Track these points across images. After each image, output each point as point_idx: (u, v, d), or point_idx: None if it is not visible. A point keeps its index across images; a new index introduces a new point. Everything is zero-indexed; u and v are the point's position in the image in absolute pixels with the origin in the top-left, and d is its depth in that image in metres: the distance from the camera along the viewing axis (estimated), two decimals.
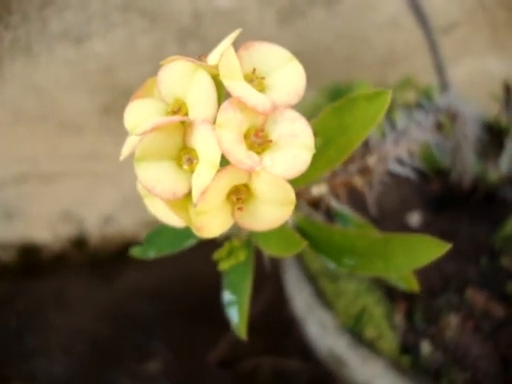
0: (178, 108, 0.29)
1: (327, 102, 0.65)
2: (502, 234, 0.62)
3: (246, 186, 0.29)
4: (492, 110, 0.79)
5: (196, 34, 0.80)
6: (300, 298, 0.65)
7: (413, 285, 0.39)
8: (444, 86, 0.60)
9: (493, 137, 0.70)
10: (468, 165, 0.61)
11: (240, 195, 0.29)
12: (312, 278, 0.62)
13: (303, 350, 0.72)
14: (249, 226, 0.29)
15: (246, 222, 0.29)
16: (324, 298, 0.59)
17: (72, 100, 0.84)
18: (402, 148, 0.40)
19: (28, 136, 0.88)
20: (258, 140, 0.28)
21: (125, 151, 0.31)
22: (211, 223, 0.28)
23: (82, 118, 0.88)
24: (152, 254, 0.40)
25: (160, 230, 0.40)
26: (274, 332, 0.87)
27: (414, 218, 0.65)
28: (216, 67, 0.29)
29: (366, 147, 0.40)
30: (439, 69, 0.64)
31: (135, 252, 0.40)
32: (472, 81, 0.93)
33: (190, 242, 0.39)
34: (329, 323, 0.59)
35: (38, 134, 0.87)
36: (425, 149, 0.50)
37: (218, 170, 0.27)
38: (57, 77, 0.79)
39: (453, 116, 0.47)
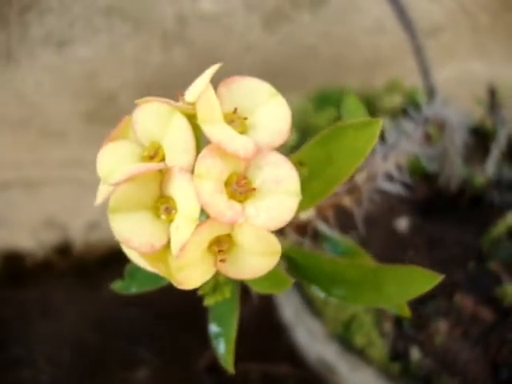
0: (155, 152, 0.27)
1: (314, 109, 0.64)
2: (489, 238, 0.62)
3: (229, 236, 0.27)
4: (477, 112, 0.79)
5: (180, 39, 0.79)
6: (289, 305, 0.65)
7: (404, 311, 0.38)
8: (430, 89, 0.60)
9: (478, 141, 0.71)
10: (455, 169, 0.61)
11: (222, 247, 0.27)
12: (300, 286, 0.61)
13: (292, 356, 0.72)
14: (233, 276, 0.28)
15: (230, 272, 0.28)
16: (313, 306, 0.59)
17: (55, 106, 0.83)
18: (390, 163, 0.39)
19: (10, 142, 0.86)
20: (240, 188, 0.27)
21: (98, 199, 0.29)
22: (192, 276, 0.27)
23: (65, 124, 0.86)
24: (133, 289, 0.38)
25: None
26: (263, 338, 0.86)
27: (402, 224, 0.65)
28: (193, 106, 0.27)
29: None
30: (425, 72, 0.64)
31: (116, 288, 0.38)
32: (456, 84, 0.93)
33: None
34: (318, 331, 0.58)
35: (21, 141, 0.86)
36: (412, 156, 0.50)
37: (198, 224, 0.25)
38: (39, 82, 0.78)
39: (440, 125, 0.47)
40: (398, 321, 0.57)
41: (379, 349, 0.55)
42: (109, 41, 0.77)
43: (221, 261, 0.27)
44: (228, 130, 0.27)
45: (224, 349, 0.36)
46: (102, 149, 0.28)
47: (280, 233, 0.36)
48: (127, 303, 1.01)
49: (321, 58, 0.83)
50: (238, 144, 0.26)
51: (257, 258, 0.27)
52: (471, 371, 0.53)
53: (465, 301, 0.58)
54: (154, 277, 0.35)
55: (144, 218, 0.27)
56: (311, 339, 0.61)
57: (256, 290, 0.33)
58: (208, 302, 0.34)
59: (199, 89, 0.27)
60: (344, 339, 0.55)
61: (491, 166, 0.66)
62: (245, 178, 0.27)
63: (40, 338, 0.94)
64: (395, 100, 0.70)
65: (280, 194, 0.27)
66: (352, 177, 0.39)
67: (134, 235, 0.26)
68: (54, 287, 1.04)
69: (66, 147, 0.89)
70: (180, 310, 0.98)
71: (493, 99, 0.68)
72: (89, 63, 0.79)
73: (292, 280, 0.30)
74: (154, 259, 0.27)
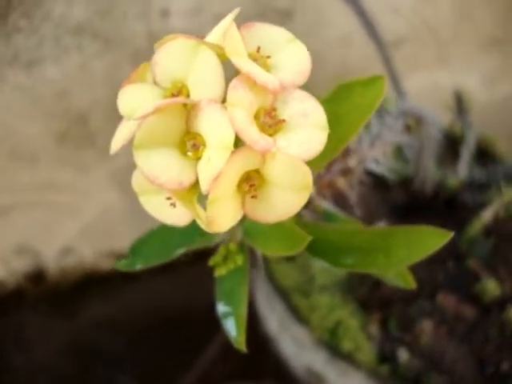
0: (178, 91, 0.27)
1: None
2: (466, 237, 0.63)
3: (258, 173, 0.27)
4: (445, 119, 0.82)
5: (151, 55, 0.79)
6: (273, 316, 0.64)
7: (410, 282, 0.38)
8: (400, 95, 0.61)
9: (449, 145, 0.73)
10: (429, 172, 0.63)
11: (252, 182, 0.27)
12: (284, 295, 0.61)
13: (279, 370, 0.71)
14: (261, 218, 0.27)
15: (259, 214, 0.27)
16: (298, 314, 0.59)
17: (25, 127, 0.81)
18: (377, 150, 0.41)
19: None
20: (270, 121, 0.27)
21: (117, 143, 0.28)
22: (223, 214, 0.26)
23: (36, 146, 0.85)
24: (139, 265, 0.37)
25: (145, 240, 0.38)
26: (247, 354, 0.85)
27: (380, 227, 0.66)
28: (217, 46, 0.27)
29: (346, 150, 0.41)
30: (394, 80, 0.66)
31: (120, 266, 0.37)
32: (423, 94, 0.96)
33: (179, 251, 0.36)
34: (304, 339, 0.58)
35: None
36: (391, 161, 0.52)
37: (232, 152, 0.25)
38: (8, 103, 0.76)
39: (418, 118, 0.49)
40: (383, 323, 0.57)
41: (367, 352, 0.55)
42: (79, 60, 0.77)
43: (252, 197, 0.27)
44: (255, 65, 0.27)
45: (235, 328, 0.34)
46: (123, 89, 0.28)
47: None
48: (104, 328, 0.99)
49: None
50: (267, 77, 0.26)
51: (288, 194, 0.27)
52: (459, 368, 0.54)
53: (447, 300, 0.59)
54: (160, 251, 0.34)
55: (170, 155, 0.26)
56: (298, 349, 0.60)
57: (268, 253, 0.32)
58: (220, 272, 0.33)
59: (224, 27, 0.28)
60: (331, 345, 0.55)
61: (463, 168, 0.68)
62: (274, 110, 0.27)
63: (15, 370, 0.90)
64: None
65: (309, 127, 0.27)
66: (344, 159, 0.40)
67: (162, 171, 0.26)
68: (28, 316, 1.00)
69: (37, 169, 0.87)
70: (158, 333, 0.96)
71: (460, 104, 0.70)
72: (59, 83, 0.78)
73: (309, 236, 0.29)
74: (183, 197, 0.26)
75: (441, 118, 0.74)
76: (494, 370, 0.54)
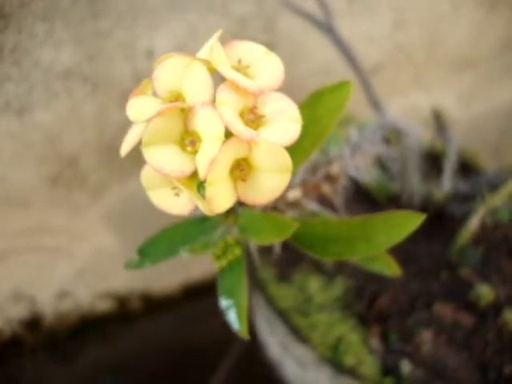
0: (175, 99, 0.33)
1: None
2: (456, 247, 0.65)
3: (246, 161, 0.32)
4: (425, 138, 0.84)
5: None
6: (274, 339, 0.64)
7: (395, 270, 0.41)
8: (381, 116, 0.64)
9: (431, 160, 0.75)
10: (415, 186, 0.65)
11: (242, 167, 0.32)
12: (284, 316, 0.61)
13: None
14: (251, 199, 0.32)
15: (249, 195, 0.32)
16: (299, 334, 0.59)
17: (17, 173, 0.83)
18: (358, 159, 0.43)
19: None
20: (253, 117, 0.32)
21: (127, 145, 0.34)
22: (219, 196, 0.31)
23: (28, 191, 0.85)
24: (147, 264, 0.41)
25: (152, 241, 0.42)
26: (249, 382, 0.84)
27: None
28: (206, 60, 0.33)
29: (328, 159, 0.43)
30: (375, 104, 0.68)
31: (130, 265, 0.41)
32: (403, 116, 0.99)
33: (184, 249, 0.40)
34: (307, 358, 0.58)
35: None
36: (379, 179, 0.54)
37: (223, 142, 0.30)
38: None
39: (396, 131, 0.51)
40: (384, 336, 0.58)
41: (370, 366, 0.55)
42: (68, 104, 0.79)
43: (242, 180, 0.32)
44: (237, 73, 0.33)
45: (236, 318, 0.37)
46: (130, 101, 0.34)
47: (274, 209, 0.38)
48: (103, 372, 0.97)
49: None
50: (247, 81, 0.32)
51: (272, 176, 0.32)
52: (462, 376, 0.54)
53: (444, 309, 0.60)
54: (166, 250, 0.40)
55: (173, 150, 0.32)
56: (302, 370, 0.60)
57: (260, 241, 0.36)
58: (220, 264, 0.37)
59: (210, 45, 0.35)
60: (334, 362, 0.55)
61: (447, 181, 0.70)
62: (256, 108, 0.33)
63: None
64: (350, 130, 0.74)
65: (285, 121, 0.33)
66: (327, 166, 0.42)
67: (166, 163, 0.31)
68: (25, 365, 0.98)
69: (31, 215, 0.88)
70: (157, 373, 0.94)
71: (439, 121, 0.73)
72: (49, 127, 0.80)
73: (295, 223, 0.33)
74: (186, 184, 0.32)
75: (422, 136, 0.77)
76: (497, 375, 0.54)
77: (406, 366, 0.55)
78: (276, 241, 0.35)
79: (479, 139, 0.99)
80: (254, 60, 0.35)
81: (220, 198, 0.31)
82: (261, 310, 0.65)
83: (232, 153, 0.31)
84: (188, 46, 0.80)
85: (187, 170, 0.31)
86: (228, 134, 0.31)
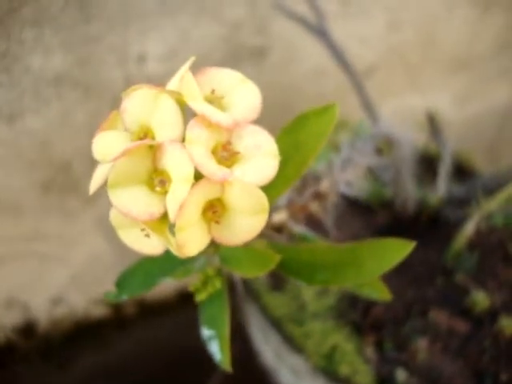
0: (144, 134, 0.31)
1: None
2: (452, 253, 0.64)
3: (220, 201, 0.30)
4: (419, 141, 0.84)
5: None
6: (268, 347, 0.64)
7: (385, 294, 0.40)
8: (374, 120, 0.63)
9: (426, 164, 0.74)
10: (409, 192, 0.64)
11: (215, 209, 0.30)
12: (278, 325, 0.61)
13: None
14: (227, 241, 0.30)
15: (224, 237, 0.30)
16: (293, 343, 0.58)
17: (8, 180, 0.82)
18: (349, 173, 0.42)
19: None
20: (226, 154, 0.30)
21: (94, 185, 0.31)
22: (191, 240, 0.29)
23: (20, 197, 0.85)
24: (125, 296, 0.40)
25: (129, 273, 0.40)
26: None
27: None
28: (176, 92, 0.31)
29: (317, 175, 0.42)
30: (368, 106, 0.68)
31: (108, 297, 0.40)
32: (397, 118, 0.99)
33: (162, 279, 0.39)
34: (301, 367, 0.57)
35: None
36: (371, 186, 0.53)
37: (193, 184, 0.28)
38: None
39: (389, 140, 0.50)
40: (378, 345, 0.57)
41: (365, 375, 0.54)
42: (60, 109, 0.78)
43: (216, 222, 0.30)
44: (209, 106, 0.30)
45: (219, 349, 0.36)
46: (96, 137, 0.31)
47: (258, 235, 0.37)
48: (99, 378, 0.96)
49: (268, 104, 0.86)
50: (220, 116, 0.30)
51: (247, 218, 0.30)
52: (457, 383, 0.54)
53: (439, 316, 0.59)
54: (144, 281, 0.38)
55: (140, 191, 0.29)
56: (296, 379, 0.59)
57: (243, 274, 0.34)
58: (200, 296, 0.35)
59: (181, 75, 0.32)
60: (328, 371, 0.55)
61: (442, 186, 0.69)
62: (229, 144, 0.31)
63: None
64: (345, 137, 0.73)
65: (261, 156, 0.30)
66: (316, 184, 0.41)
67: (133, 205, 0.29)
68: (19, 372, 0.97)
69: (24, 221, 0.87)
70: (153, 378, 0.94)
71: (433, 123, 0.72)
72: (41, 133, 0.79)
73: (278, 256, 0.32)
74: (155, 227, 0.29)
75: (416, 138, 0.76)
76: (493, 382, 0.54)
77: (401, 375, 0.55)
78: (259, 274, 0.34)
79: (474, 140, 0.99)
80: (230, 88, 0.33)
81: (192, 242, 0.29)
82: (255, 319, 0.65)
83: (203, 195, 0.29)
84: (180, 51, 0.79)
85: (156, 212, 0.29)
86: (199, 175, 0.29)
